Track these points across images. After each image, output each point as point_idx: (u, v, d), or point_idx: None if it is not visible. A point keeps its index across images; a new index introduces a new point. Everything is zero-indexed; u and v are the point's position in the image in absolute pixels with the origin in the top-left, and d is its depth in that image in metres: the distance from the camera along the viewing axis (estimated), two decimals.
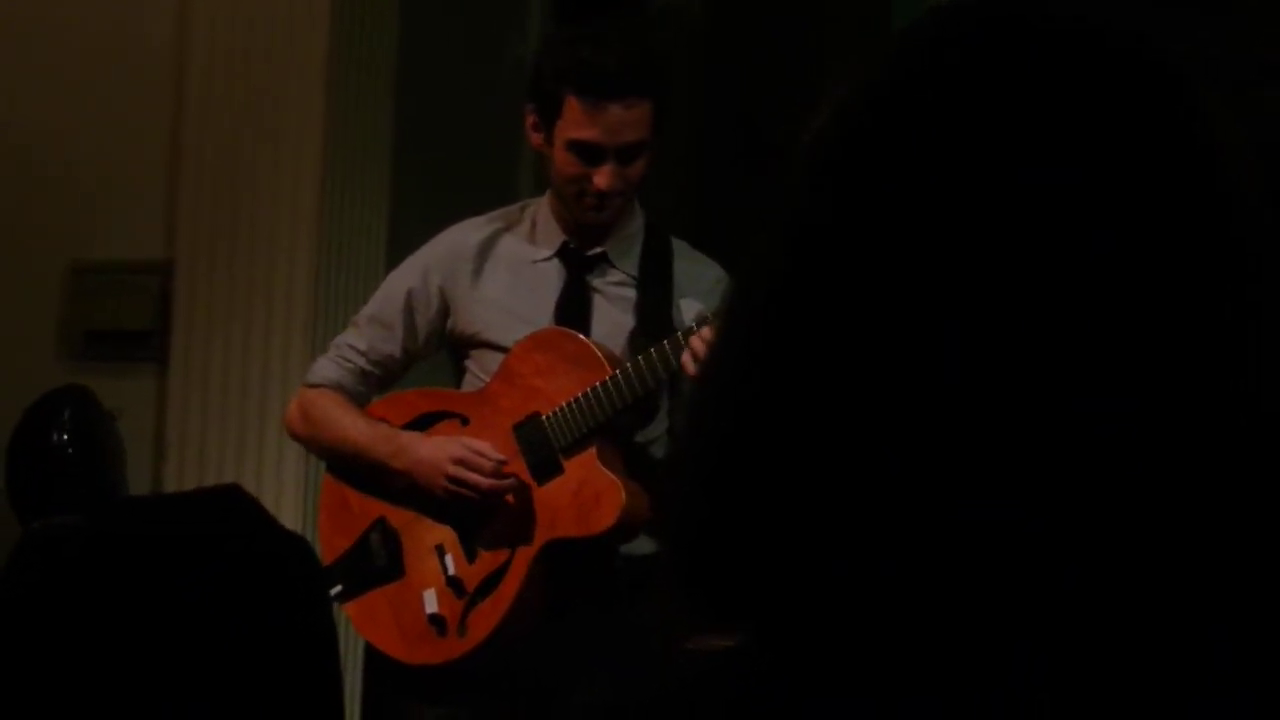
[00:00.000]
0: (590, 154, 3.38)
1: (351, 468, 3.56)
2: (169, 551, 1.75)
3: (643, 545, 3.44)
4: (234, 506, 1.88)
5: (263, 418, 4.91)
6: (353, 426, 3.54)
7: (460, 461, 3.42)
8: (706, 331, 3.23)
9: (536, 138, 3.46)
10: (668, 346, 3.29)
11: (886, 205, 0.89)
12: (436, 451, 3.45)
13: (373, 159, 5.15)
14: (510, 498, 3.44)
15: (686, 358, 3.22)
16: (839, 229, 0.91)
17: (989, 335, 0.87)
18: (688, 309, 3.47)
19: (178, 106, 5.13)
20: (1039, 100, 0.90)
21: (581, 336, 3.44)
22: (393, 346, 3.58)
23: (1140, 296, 0.87)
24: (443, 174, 5.21)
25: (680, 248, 3.57)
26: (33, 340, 5.17)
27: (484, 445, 3.44)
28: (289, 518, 4.62)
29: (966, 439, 0.86)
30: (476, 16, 5.47)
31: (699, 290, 3.50)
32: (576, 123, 3.37)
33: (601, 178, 3.38)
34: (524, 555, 3.43)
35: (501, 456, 3.43)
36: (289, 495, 4.87)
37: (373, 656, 3.62)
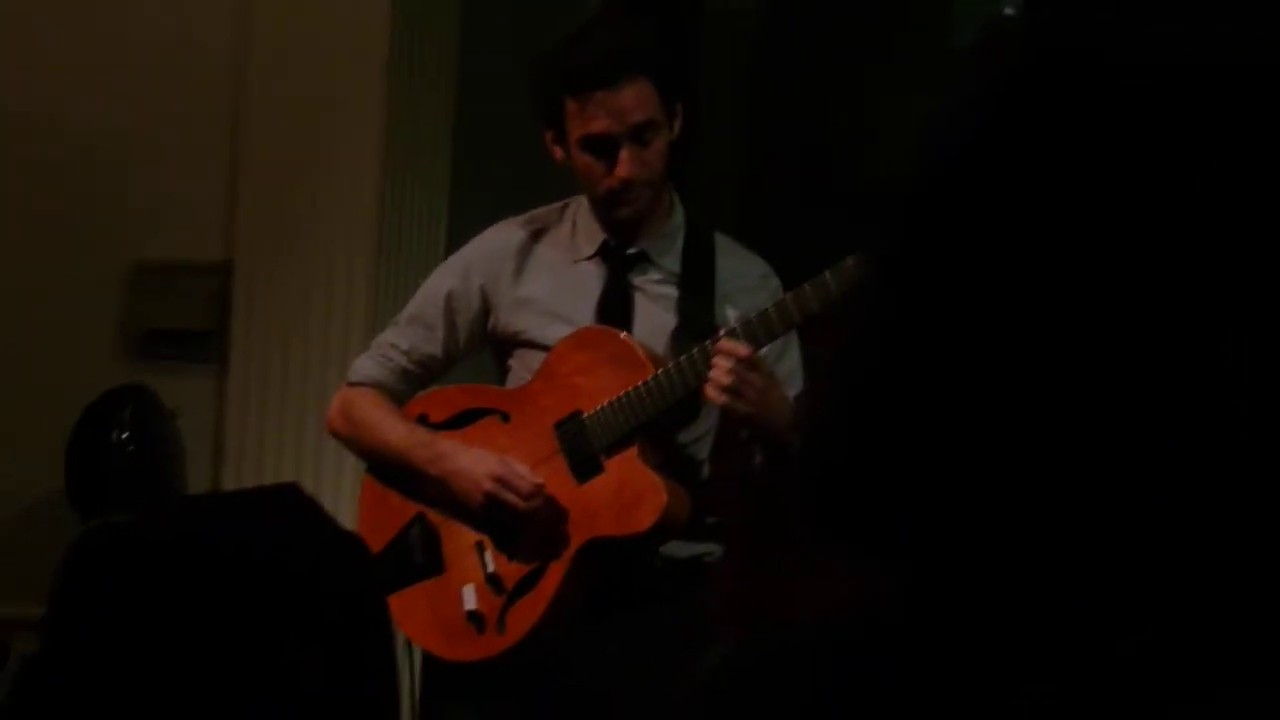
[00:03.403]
0: (603, 147, 3.39)
1: (390, 468, 3.57)
2: (224, 551, 1.76)
3: (683, 548, 3.45)
4: (292, 506, 1.89)
5: (321, 418, 4.90)
6: (392, 430, 3.55)
7: (498, 479, 3.42)
8: (726, 344, 3.26)
9: (558, 153, 3.47)
10: (710, 347, 3.29)
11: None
12: (476, 465, 3.45)
13: (431, 159, 5.16)
14: (551, 498, 3.44)
15: (710, 379, 3.25)
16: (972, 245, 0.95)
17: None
18: (731, 306, 3.46)
19: (237, 107, 5.15)
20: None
21: (623, 335, 3.44)
22: (434, 346, 3.59)
23: None
24: (503, 174, 5.21)
25: (723, 243, 3.57)
26: (94, 339, 5.20)
27: (522, 467, 3.44)
28: (346, 517, 4.61)
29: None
30: (534, 7, 5.47)
31: (743, 287, 3.50)
32: (580, 119, 3.38)
33: (621, 167, 3.38)
34: (564, 554, 3.43)
35: (540, 480, 3.43)
36: (346, 495, 4.87)
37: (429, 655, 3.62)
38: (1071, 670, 0.91)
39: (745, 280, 3.52)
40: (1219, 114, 0.92)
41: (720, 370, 3.26)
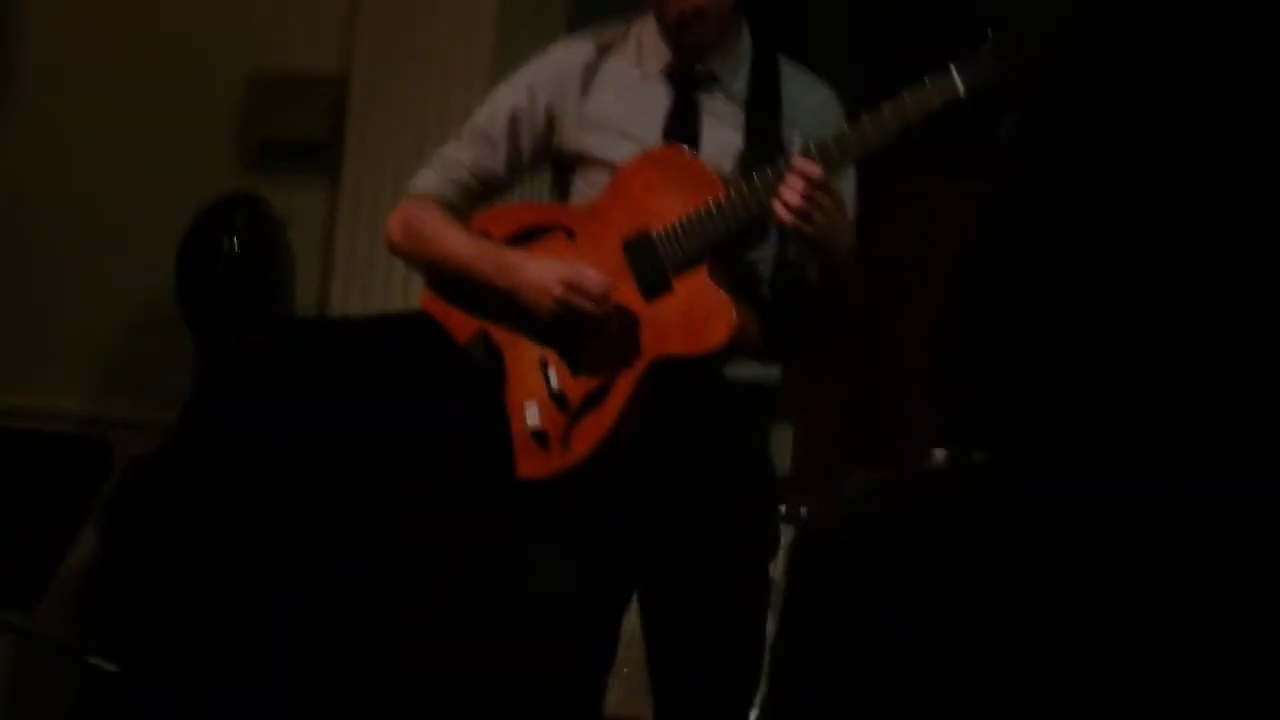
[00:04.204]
0: None
1: (453, 283, 3.53)
2: (368, 375, 1.78)
3: (744, 370, 3.43)
4: (426, 332, 1.88)
5: None
6: (457, 241, 3.52)
7: (569, 284, 3.39)
8: (801, 164, 3.24)
9: None
10: (783, 167, 3.27)
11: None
12: (544, 273, 3.41)
13: None
14: (618, 315, 3.41)
15: (779, 198, 3.22)
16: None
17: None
18: (796, 128, 3.43)
19: None
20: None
21: (694, 155, 3.41)
22: (496, 163, 3.56)
23: None
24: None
25: (789, 67, 3.53)
26: (209, 149, 5.23)
27: (592, 271, 3.41)
28: None
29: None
30: None
31: (808, 109, 3.47)
32: None
33: None
34: (630, 372, 3.41)
35: (611, 280, 3.40)
36: None
37: None
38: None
39: (811, 102, 3.49)
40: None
41: (793, 191, 3.24)
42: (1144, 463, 1.04)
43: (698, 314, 3.37)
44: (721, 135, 3.45)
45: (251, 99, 5.23)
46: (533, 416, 3.45)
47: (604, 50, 3.54)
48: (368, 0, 5.11)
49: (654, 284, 3.41)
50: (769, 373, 3.48)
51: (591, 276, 3.40)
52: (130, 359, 5.26)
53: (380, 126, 5.07)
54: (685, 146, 3.43)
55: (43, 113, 5.37)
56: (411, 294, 4.75)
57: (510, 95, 3.58)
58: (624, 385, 3.41)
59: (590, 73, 3.51)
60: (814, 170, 3.23)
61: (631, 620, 3.54)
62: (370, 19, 5.11)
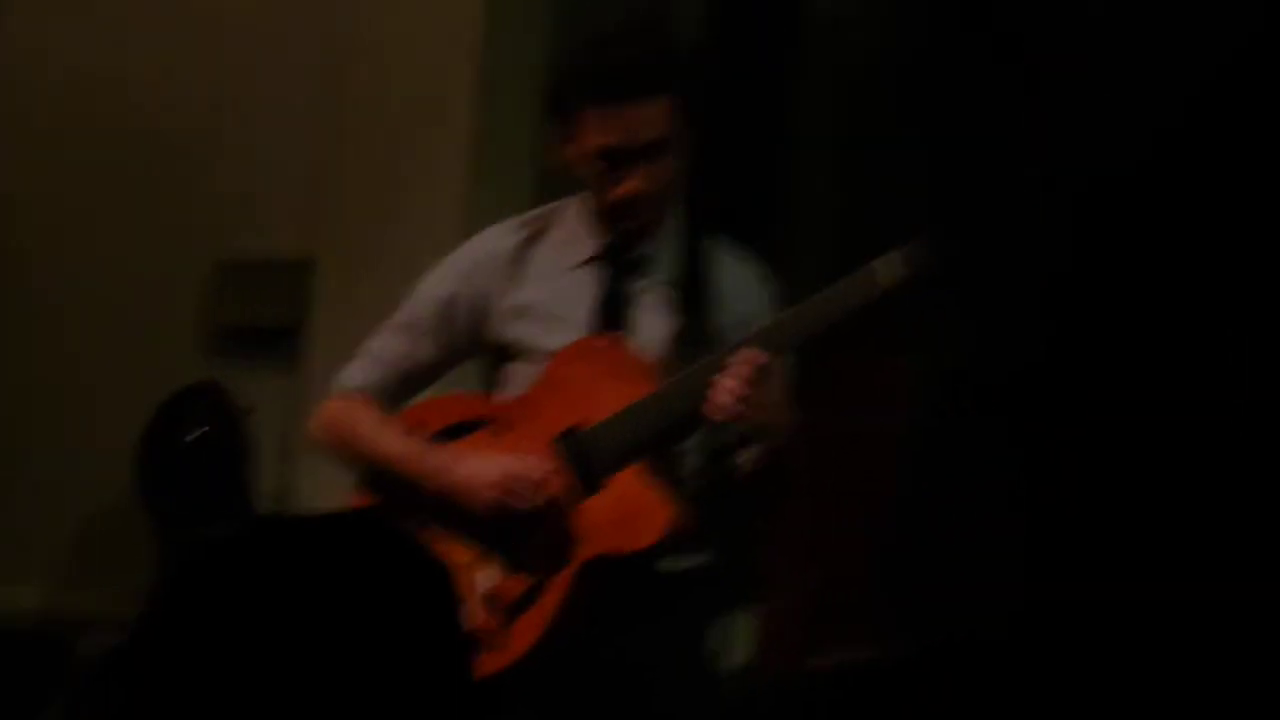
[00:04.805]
0: (615, 159, 3.31)
1: (384, 481, 3.46)
2: (317, 574, 1.80)
3: (678, 561, 3.36)
4: (382, 531, 1.91)
5: None
6: (387, 440, 3.45)
7: (504, 484, 3.32)
8: (744, 352, 3.19)
9: (563, 151, 3.39)
10: (714, 359, 3.22)
11: None
12: (478, 472, 3.35)
13: (518, 156, 5.08)
14: (552, 513, 3.34)
15: (715, 391, 3.18)
16: None
17: None
18: (729, 310, 3.39)
19: (325, 106, 5.13)
20: None
21: (626, 346, 3.36)
22: (427, 354, 3.51)
23: None
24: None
25: (720, 247, 3.49)
26: (172, 336, 5.21)
27: (527, 463, 3.33)
28: None
29: None
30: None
31: (740, 291, 3.43)
32: (596, 130, 3.30)
33: (631, 181, 3.32)
34: (565, 570, 3.33)
35: (545, 478, 3.33)
36: None
37: None
38: None
39: (742, 285, 3.45)
40: None
41: (732, 381, 3.18)
42: None
43: (632, 511, 3.30)
44: (653, 321, 3.40)
45: (216, 285, 5.21)
46: (468, 617, 3.37)
47: (532, 238, 3.49)
48: (332, 186, 5.10)
49: (588, 480, 3.34)
50: (703, 560, 3.41)
51: (526, 475, 3.33)
52: (93, 553, 5.20)
53: (345, 312, 5.02)
54: (617, 336, 3.37)
55: (6, 298, 5.35)
56: None
57: (439, 285, 3.52)
58: (559, 584, 3.33)
59: (518, 260, 3.46)
60: (754, 359, 3.18)
61: None
62: (334, 205, 5.10)
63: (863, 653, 5.24)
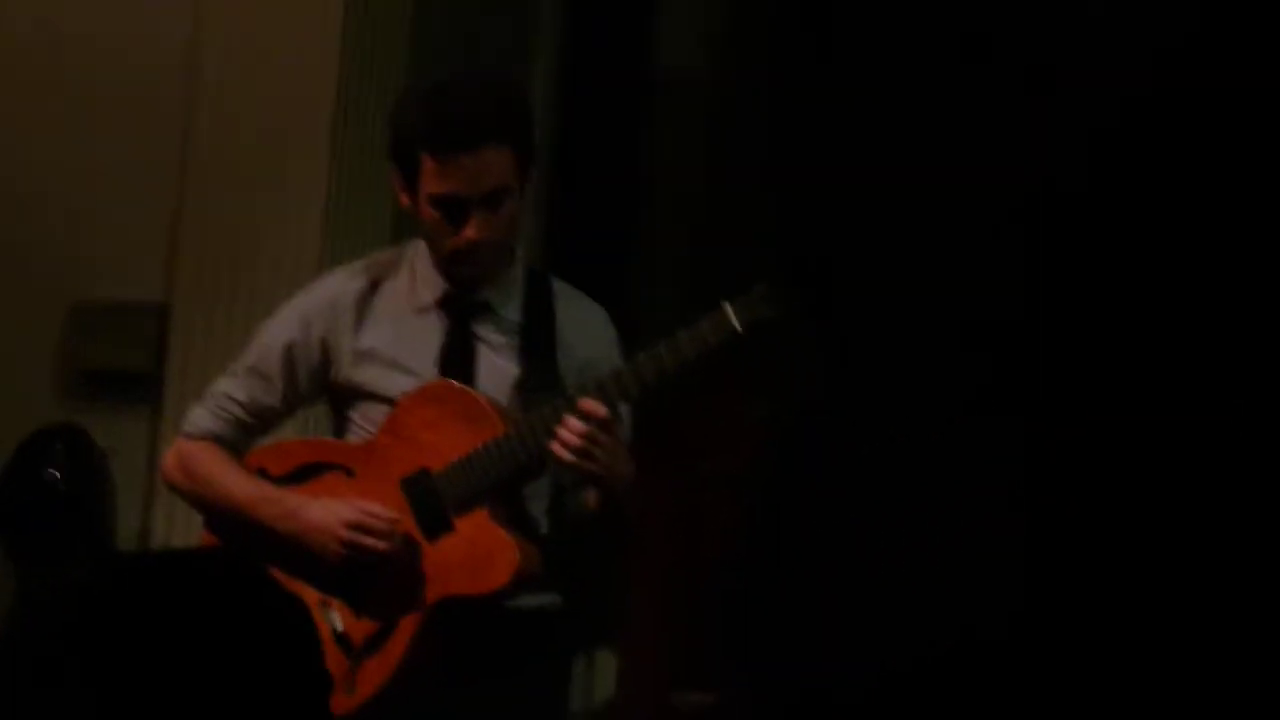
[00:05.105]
0: (454, 207, 3.34)
1: (231, 524, 3.48)
2: (176, 613, 1.79)
3: (528, 600, 3.40)
4: (243, 569, 1.91)
5: None
6: (235, 483, 3.48)
7: (353, 525, 3.36)
8: (585, 404, 3.25)
9: (404, 198, 3.42)
10: (559, 406, 3.28)
11: None
12: (327, 515, 3.38)
13: (375, 201, 5.11)
14: (401, 555, 3.37)
15: (559, 439, 3.25)
16: None
17: None
18: (571, 354, 3.44)
19: (180, 150, 5.15)
20: None
21: (472, 391, 3.39)
22: (272, 398, 3.52)
23: None
24: None
25: (562, 290, 3.53)
26: (30, 378, 5.20)
27: (376, 507, 3.38)
28: None
29: None
30: (486, 47, 5.45)
31: (583, 335, 3.47)
32: (436, 178, 3.33)
33: (470, 229, 3.34)
34: (414, 613, 3.37)
35: (396, 517, 3.38)
36: None
37: None
38: None
39: (585, 329, 3.49)
40: None
41: (573, 432, 3.25)
42: None
43: (480, 553, 3.34)
44: (498, 365, 3.43)
45: (73, 328, 5.22)
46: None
47: (377, 282, 3.50)
48: (190, 231, 5.12)
49: (434, 524, 3.38)
50: (553, 599, 3.46)
51: (376, 517, 3.37)
52: None
53: (202, 356, 5.04)
54: (460, 382, 3.40)
55: None
56: None
57: (283, 329, 3.53)
58: (408, 626, 3.38)
59: (363, 305, 3.48)
60: (595, 410, 3.24)
61: None
62: (192, 249, 5.10)
63: (720, 693, 5.32)
